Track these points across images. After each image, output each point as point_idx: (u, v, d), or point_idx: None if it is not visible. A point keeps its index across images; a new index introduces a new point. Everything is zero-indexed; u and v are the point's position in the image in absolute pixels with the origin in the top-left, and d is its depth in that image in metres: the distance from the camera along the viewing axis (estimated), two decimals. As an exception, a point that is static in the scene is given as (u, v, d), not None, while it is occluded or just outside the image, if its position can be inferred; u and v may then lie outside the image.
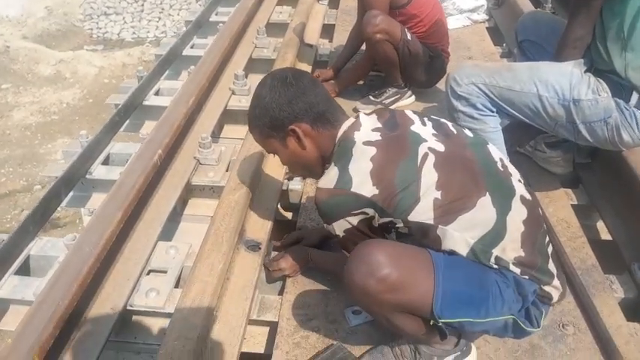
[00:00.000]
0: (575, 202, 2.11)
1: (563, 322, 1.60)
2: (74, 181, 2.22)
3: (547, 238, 1.35)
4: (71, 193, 2.25)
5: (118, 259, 1.73)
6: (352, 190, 1.24)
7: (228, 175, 2.02)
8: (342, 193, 1.25)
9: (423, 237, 1.26)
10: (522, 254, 1.24)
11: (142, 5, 8.23)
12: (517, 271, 1.24)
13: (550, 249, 1.35)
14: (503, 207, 1.25)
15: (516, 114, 1.86)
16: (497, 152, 1.40)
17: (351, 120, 1.39)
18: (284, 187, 2.12)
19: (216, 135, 2.59)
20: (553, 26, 2.03)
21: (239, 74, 2.74)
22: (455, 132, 1.38)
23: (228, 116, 2.70)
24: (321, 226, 1.90)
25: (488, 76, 1.83)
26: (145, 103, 2.79)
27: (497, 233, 1.23)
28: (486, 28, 3.53)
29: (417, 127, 1.35)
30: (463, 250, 1.23)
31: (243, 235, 1.78)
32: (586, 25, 1.73)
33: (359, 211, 1.26)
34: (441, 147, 1.29)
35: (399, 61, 2.52)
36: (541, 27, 2.10)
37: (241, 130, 2.54)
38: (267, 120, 1.39)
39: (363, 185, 1.23)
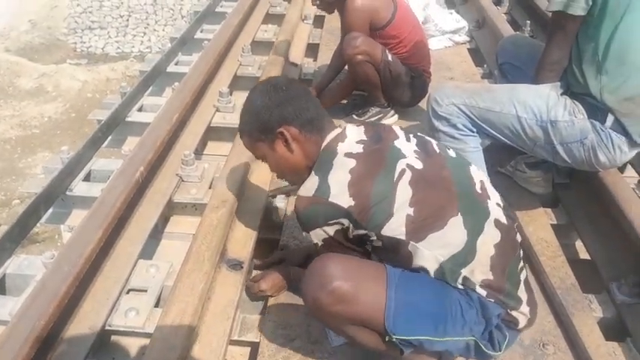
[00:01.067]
0: (555, 222, 2.15)
1: (543, 341, 1.62)
2: (54, 197, 2.19)
3: (521, 264, 1.36)
4: (51, 210, 2.22)
5: (97, 277, 1.70)
6: (330, 199, 1.25)
7: (211, 193, 2.02)
8: (320, 202, 1.27)
9: (395, 252, 1.27)
10: (491, 277, 1.25)
11: (127, 20, 8.24)
12: (483, 293, 1.25)
13: (523, 275, 1.35)
14: (474, 229, 1.26)
15: (496, 134, 1.89)
16: (480, 174, 1.41)
17: (338, 130, 1.41)
18: (267, 205, 2.11)
19: (199, 152, 2.58)
20: (532, 50, 2.08)
21: (223, 91, 2.74)
22: (437, 151, 1.40)
23: (212, 133, 2.70)
24: (304, 244, 1.90)
25: (468, 97, 1.87)
26: (128, 119, 2.77)
27: (467, 254, 1.24)
28: (468, 49, 3.60)
29: (400, 142, 1.37)
30: (432, 267, 1.25)
31: (225, 253, 1.77)
32: (563, 48, 1.78)
33: (335, 221, 1.27)
34: (419, 165, 1.31)
35: (380, 81, 2.55)
36: (520, 50, 2.15)
37: (225, 147, 2.53)
38: (257, 124, 1.41)
39: (341, 196, 1.25)
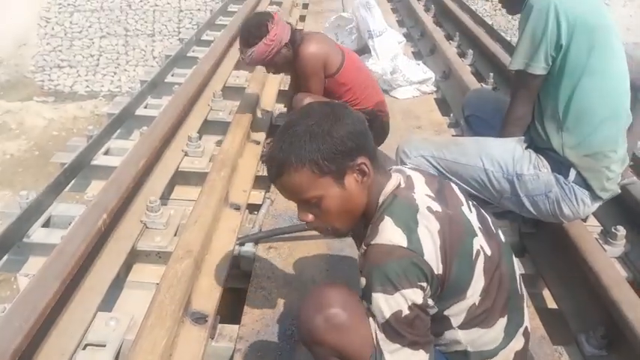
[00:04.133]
0: (523, 272, 2.16)
1: (514, 397, 1.59)
2: (9, 244, 2.09)
3: None
4: (5, 257, 2.11)
5: (51, 332, 1.60)
6: (425, 257, 1.07)
7: (177, 241, 1.96)
8: (414, 255, 1.06)
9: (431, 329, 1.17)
10: None
11: (98, 60, 8.20)
12: None
13: None
14: (510, 335, 1.22)
15: (464, 186, 1.92)
16: (518, 266, 1.33)
17: (401, 174, 1.22)
18: (235, 253, 2.06)
19: (165, 196, 2.53)
20: (496, 103, 2.16)
21: (193, 136, 2.72)
22: (494, 231, 1.26)
23: (180, 177, 2.66)
24: (275, 295, 1.84)
25: (436, 149, 1.90)
26: (94, 162, 2.71)
27: (492, 354, 1.20)
28: (435, 99, 3.71)
29: (466, 210, 1.21)
30: (453, 348, 1.20)
31: (189, 306, 1.70)
32: (526, 105, 1.84)
33: (424, 284, 1.08)
34: (487, 249, 1.18)
35: None
36: (485, 104, 2.22)
37: (192, 192, 2.49)
38: (330, 151, 1.10)
39: (433, 257, 1.08)
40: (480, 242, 1.16)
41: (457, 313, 1.15)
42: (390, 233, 1.10)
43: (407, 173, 1.23)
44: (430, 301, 1.12)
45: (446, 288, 1.12)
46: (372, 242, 1.11)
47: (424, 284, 1.08)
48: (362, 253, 1.17)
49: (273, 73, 2.71)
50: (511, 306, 1.21)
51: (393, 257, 1.07)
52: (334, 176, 1.13)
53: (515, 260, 1.32)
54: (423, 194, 1.17)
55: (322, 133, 1.11)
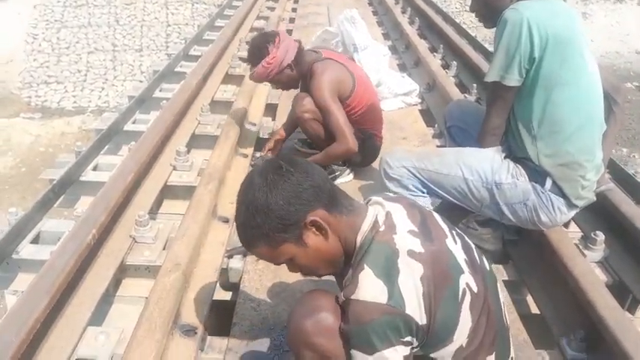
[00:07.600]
0: (506, 278, 2.21)
1: (498, 401, 1.62)
2: (-2, 261, 2.10)
3: None
4: (-6, 274, 2.12)
5: (41, 347, 1.62)
6: (407, 312, 1.07)
7: (165, 255, 1.98)
8: (395, 312, 1.06)
9: None
10: None
11: (85, 75, 8.21)
12: None
13: None
14: None
15: (446, 195, 1.97)
16: (500, 294, 1.30)
17: (378, 211, 1.20)
18: (223, 266, 2.09)
19: (154, 211, 2.55)
20: (477, 113, 2.21)
21: (181, 150, 2.75)
22: (478, 261, 1.25)
23: (168, 191, 2.68)
24: (263, 306, 1.87)
25: (417, 160, 1.95)
26: (82, 178, 2.72)
27: None
28: (419, 110, 3.77)
29: (450, 243, 1.20)
30: None
31: (179, 319, 1.72)
32: (502, 115, 1.90)
33: (408, 339, 1.09)
34: (474, 285, 1.17)
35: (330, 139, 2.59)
36: (466, 115, 2.28)
37: (181, 206, 2.52)
38: (275, 223, 1.13)
39: (416, 309, 1.08)
40: (466, 279, 1.15)
41: (444, 355, 1.16)
42: (370, 288, 1.09)
43: (386, 208, 1.21)
44: (416, 349, 1.14)
45: (431, 335, 1.12)
46: (352, 297, 1.11)
47: (408, 338, 1.09)
48: (341, 303, 1.17)
49: (282, 89, 2.75)
50: (499, 341, 1.22)
51: (373, 317, 1.07)
52: (292, 241, 1.16)
53: (499, 287, 1.32)
54: (404, 232, 1.15)
55: (261, 209, 1.13)
